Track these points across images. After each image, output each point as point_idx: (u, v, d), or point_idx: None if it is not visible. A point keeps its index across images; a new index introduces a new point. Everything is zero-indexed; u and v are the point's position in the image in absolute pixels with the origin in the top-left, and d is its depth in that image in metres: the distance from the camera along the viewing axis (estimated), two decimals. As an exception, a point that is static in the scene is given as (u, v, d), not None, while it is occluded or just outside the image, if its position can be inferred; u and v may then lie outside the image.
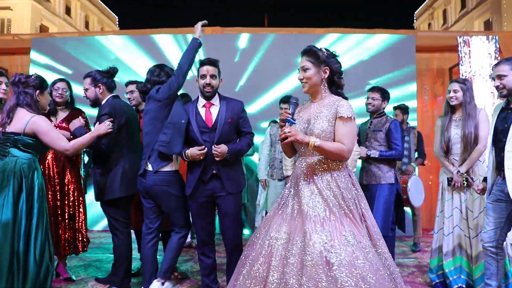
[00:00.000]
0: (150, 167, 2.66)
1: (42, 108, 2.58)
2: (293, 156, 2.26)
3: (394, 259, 3.27)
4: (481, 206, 2.81)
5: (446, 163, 2.99)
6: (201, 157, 2.50)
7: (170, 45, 5.73)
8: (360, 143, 3.54)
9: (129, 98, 3.46)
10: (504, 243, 2.54)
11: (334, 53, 2.09)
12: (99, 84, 2.91)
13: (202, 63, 2.60)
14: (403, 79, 5.59)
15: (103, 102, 2.92)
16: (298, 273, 1.77)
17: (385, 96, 3.35)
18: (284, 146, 2.12)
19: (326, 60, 2.03)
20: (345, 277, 1.71)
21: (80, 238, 3.25)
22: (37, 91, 2.48)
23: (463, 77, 2.70)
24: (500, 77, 2.43)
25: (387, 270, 1.89)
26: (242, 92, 5.47)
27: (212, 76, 2.59)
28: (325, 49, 2.08)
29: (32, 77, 2.49)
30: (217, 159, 2.50)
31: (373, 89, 3.40)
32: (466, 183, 2.86)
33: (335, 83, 2.07)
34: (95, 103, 2.96)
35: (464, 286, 2.85)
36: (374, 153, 3.22)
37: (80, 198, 3.29)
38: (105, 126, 2.68)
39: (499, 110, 2.53)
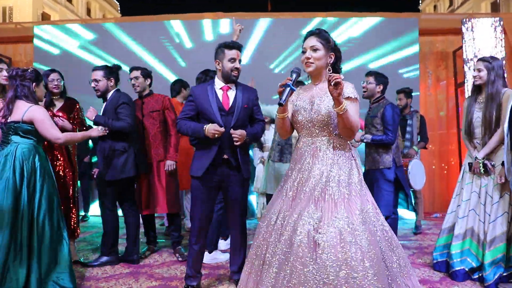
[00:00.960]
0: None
1: (39, 99, 2.73)
2: (287, 137, 2.28)
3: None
4: (502, 192, 2.73)
5: (469, 147, 2.94)
6: (216, 136, 2.46)
7: (172, 32, 5.72)
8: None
9: (133, 84, 3.48)
10: None
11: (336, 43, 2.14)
12: (111, 78, 3.25)
13: (232, 47, 2.58)
14: (406, 63, 5.56)
15: (110, 94, 3.25)
16: (287, 251, 1.84)
17: (379, 80, 3.31)
18: (281, 126, 2.12)
19: (333, 47, 2.08)
20: (330, 258, 1.74)
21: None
22: (33, 84, 2.63)
23: (489, 56, 2.56)
24: None
25: (388, 253, 1.90)
26: (241, 78, 5.47)
27: (240, 61, 2.61)
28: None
29: (29, 70, 2.64)
30: (237, 143, 2.51)
31: (368, 73, 3.40)
32: (483, 169, 2.79)
33: (336, 70, 2.10)
34: (103, 94, 3.25)
35: (467, 269, 2.84)
36: (367, 138, 3.24)
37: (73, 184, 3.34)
38: (98, 130, 2.99)
39: None
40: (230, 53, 2.56)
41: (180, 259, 3.38)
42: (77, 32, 5.79)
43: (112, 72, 3.27)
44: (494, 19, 5.40)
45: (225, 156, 2.56)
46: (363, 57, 5.54)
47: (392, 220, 3.25)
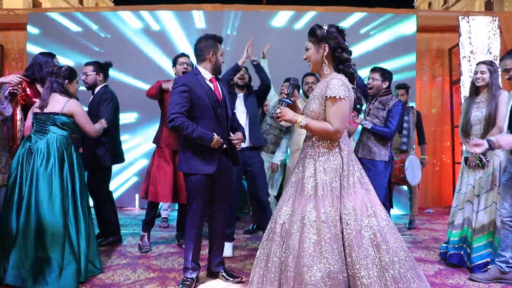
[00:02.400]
0: None
1: (72, 95, 2.94)
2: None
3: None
4: (492, 183, 2.95)
5: (465, 143, 3.10)
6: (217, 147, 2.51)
7: (165, 22, 5.65)
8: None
9: (184, 72, 3.34)
10: None
11: (338, 27, 2.05)
12: (100, 73, 3.51)
13: (221, 41, 2.65)
14: (402, 60, 5.59)
15: (98, 88, 3.53)
16: (270, 240, 2.03)
17: (385, 76, 3.32)
18: None
19: (325, 37, 2.02)
20: (290, 248, 1.90)
21: None
22: (66, 81, 2.86)
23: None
24: (508, 71, 2.77)
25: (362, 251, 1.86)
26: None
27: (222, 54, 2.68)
28: (328, 25, 2.04)
29: (63, 68, 2.89)
30: (238, 147, 2.64)
31: (373, 70, 3.39)
32: (480, 163, 2.97)
33: (338, 58, 2.04)
34: (91, 87, 3.53)
35: (462, 253, 3.04)
36: (367, 124, 3.21)
37: None
38: (104, 124, 3.22)
39: None
40: (221, 48, 2.64)
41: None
42: (71, 21, 5.69)
43: (101, 67, 3.53)
44: (490, 18, 5.44)
45: (225, 146, 2.58)
46: (357, 52, 5.55)
47: None
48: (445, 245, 3.26)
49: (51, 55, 3.16)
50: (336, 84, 1.93)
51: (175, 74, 3.48)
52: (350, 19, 5.66)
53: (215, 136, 2.44)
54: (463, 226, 3.11)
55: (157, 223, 4.50)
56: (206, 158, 2.51)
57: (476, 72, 3.07)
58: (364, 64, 4.88)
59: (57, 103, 2.73)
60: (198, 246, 2.63)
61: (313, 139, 2.04)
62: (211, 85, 2.58)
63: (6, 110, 2.73)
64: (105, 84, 3.55)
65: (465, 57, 5.39)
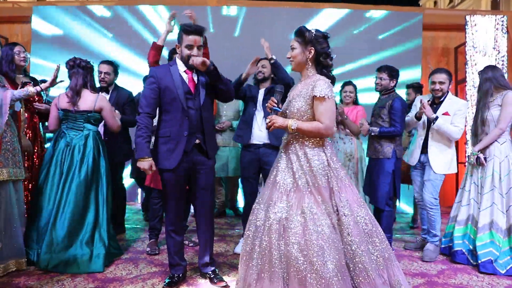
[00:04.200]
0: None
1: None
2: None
3: (391, 234, 3.40)
4: (491, 184, 3.07)
5: (472, 143, 3.29)
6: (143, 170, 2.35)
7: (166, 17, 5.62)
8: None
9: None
10: None
11: (324, 34, 2.15)
12: (115, 72, 3.63)
13: (190, 32, 2.39)
14: (408, 58, 5.55)
15: (111, 87, 3.63)
16: (259, 236, 2.05)
17: (392, 75, 3.37)
18: None
19: (312, 41, 2.11)
20: (294, 242, 1.92)
21: None
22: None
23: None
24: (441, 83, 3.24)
25: (363, 245, 1.98)
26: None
27: (200, 47, 2.45)
28: (316, 30, 2.14)
29: (90, 62, 3.00)
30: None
31: (380, 69, 3.42)
32: (477, 161, 3.13)
33: (321, 64, 2.14)
34: (107, 86, 3.58)
35: (464, 250, 3.15)
36: (375, 131, 3.30)
37: None
38: (119, 115, 3.26)
39: None
40: (187, 39, 2.39)
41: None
42: (76, 14, 5.68)
43: (116, 67, 3.67)
44: (497, 17, 5.39)
45: (197, 141, 2.44)
46: (365, 51, 5.51)
47: (388, 212, 3.28)
48: (446, 239, 3.36)
49: (12, 46, 3.05)
50: (323, 85, 2.04)
51: None
52: (353, 16, 5.63)
53: (145, 158, 2.32)
54: (467, 223, 3.20)
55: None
56: (168, 152, 2.39)
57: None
58: (370, 70, 4.84)
59: (89, 100, 2.87)
60: (177, 242, 2.54)
61: (299, 138, 2.11)
62: (184, 76, 2.45)
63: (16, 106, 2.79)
64: (115, 83, 3.72)
65: (471, 56, 5.35)
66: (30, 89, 2.65)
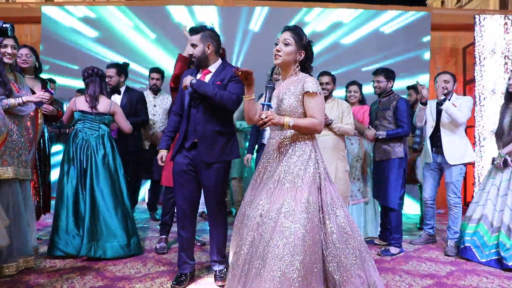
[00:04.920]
0: None
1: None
2: (250, 124, 2.37)
3: (401, 234, 3.39)
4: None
5: (498, 145, 3.33)
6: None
7: (181, 17, 5.66)
8: (371, 122, 3.58)
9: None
10: None
11: (311, 42, 2.20)
12: (122, 74, 3.78)
13: (190, 31, 2.61)
14: (416, 58, 5.53)
15: (123, 89, 3.83)
16: (240, 232, 2.08)
17: (389, 76, 3.43)
18: (248, 109, 2.19)
19: (305, 45, 2.14)
20: (271, 236, 1.90)
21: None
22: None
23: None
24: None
25: (341, 245, 1.98)
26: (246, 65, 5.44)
27: (193, 45, 2.53)
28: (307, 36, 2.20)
29: (102, 70, 3.26)
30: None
31: (376, 72, 3.50)
32: (504, 164, 3.16)
33: (305, 68, 2.19)
34: (114, 89, 3.72)
35: (472, 246, 3.22)
36: (382, 134, 3.32)
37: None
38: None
39: None
40: (190, 39, 2.59)
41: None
42: (84, 15, 5.73)
43: (122, 68, 3.81)
44: (507, 16, 5.34)
45: (195, 140, 2.50)
46: (371, 53, 5.49)
47: (399, 212, 3.28)
48: (460, 238, 3.44)
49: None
50: (313, 81, 2.08)
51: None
52: (362, 16, 5.61)
53: (161, 150, 2.61)
54: (479, 222, 3.27)
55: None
56: (176, 145, 2.60)
57: (510, 78, 3.26)
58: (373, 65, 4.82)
59: (105, 103, 3.19)
60: (184, 240, 2.57)
61: (291, 135, 2.11)
62: (199, 76, 2.57)
63: (28, 108, 2.78)
64: (125, 85, 3.86)
65: (480, 56, 5.31)
66: (11, 101, 2.62)
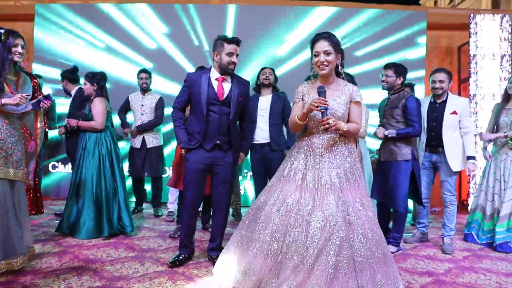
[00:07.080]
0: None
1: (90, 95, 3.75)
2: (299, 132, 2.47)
3: (402, 234, 3.39)
4: None
5: (491, 134, 3.69)
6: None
7: (180, 15, 5.61)
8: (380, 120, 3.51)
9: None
10: None
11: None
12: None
13: (231, 41, 2.72)
14: (412, 57, 5.54)
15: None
16: (306, 233, 2.12)
17: (399, 72, 3.29)
18: (297, 128, 2.35)
19: (340, 48, 2.29)
20: (365, 232, 2.13)
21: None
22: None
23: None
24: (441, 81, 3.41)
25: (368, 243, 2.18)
26: (240, 64, 5.42)
27: (237, 55, 2.77)
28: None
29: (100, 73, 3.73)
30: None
31: (387, 66, 3.36)
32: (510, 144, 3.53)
33: (338, 72, 2.37)
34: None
35: (472, 232, 3.81)
36: (392, 133, 3.21)
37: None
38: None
39: None
40: (229, 47, 2.71)
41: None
42: (78, 12, 5.66)
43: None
44: (501, 16, 5.38)
45: (218, 142, 2.78)
46: (367, 49, 5.50)
47: (404, 214, 3.25)
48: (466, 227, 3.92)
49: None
50: (359, 91, 2.33)
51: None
52: (359, 15, 5.61)
53: (183, 151, 2.82)
54: (475, 211, 3.79)
55: (163, 217, 4.53)
56: (191, 137, 2.84)
57: (511, 81, 3.60)
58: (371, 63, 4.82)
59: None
60: (190, 228, 2.87)
61: (335, 136, 2.29)
62: (215, 83, 2.76)
63: (21, 108, 2.68)
64: (78, 86, 4.20)
65: (475, 55, 5.34)
66: None
